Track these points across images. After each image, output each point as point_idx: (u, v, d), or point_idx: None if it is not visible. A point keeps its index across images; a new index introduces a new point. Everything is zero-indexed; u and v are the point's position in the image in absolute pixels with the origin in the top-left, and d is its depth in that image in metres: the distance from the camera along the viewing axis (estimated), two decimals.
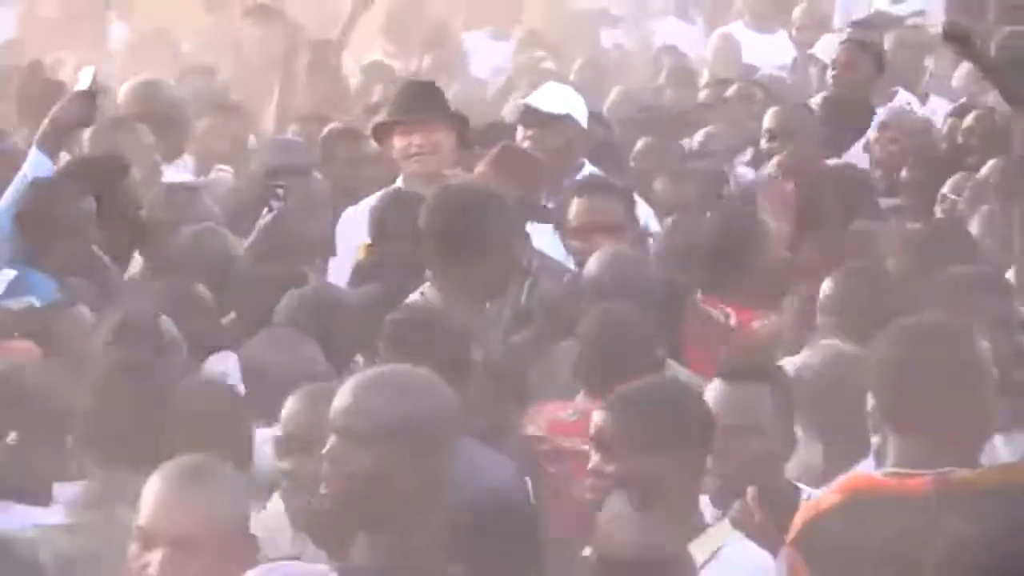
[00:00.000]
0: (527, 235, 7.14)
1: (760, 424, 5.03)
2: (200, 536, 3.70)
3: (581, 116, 8.92)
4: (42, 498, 4.83)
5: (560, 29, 14.59)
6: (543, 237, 7.61)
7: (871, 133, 10.27)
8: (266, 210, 8.04)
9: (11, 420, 4.87)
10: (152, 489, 3.77)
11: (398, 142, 8.12)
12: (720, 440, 4.79)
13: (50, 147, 8.03)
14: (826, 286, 6.56)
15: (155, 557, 3.77)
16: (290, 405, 5.11)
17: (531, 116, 8.83)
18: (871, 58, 11.34)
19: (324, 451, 4.02)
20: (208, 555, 3.70)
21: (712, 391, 5.14)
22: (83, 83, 8.49)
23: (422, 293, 6.50)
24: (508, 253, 6.59)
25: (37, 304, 6.88)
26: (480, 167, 8.19)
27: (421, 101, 8.37)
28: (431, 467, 3.98)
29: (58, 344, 6.17)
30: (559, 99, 9.00)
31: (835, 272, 6.66)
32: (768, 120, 10.21)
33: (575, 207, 7.09)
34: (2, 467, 4.84)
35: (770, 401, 5.08)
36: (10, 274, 7.21)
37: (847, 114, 10.92)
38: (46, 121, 8.25)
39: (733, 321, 7.19)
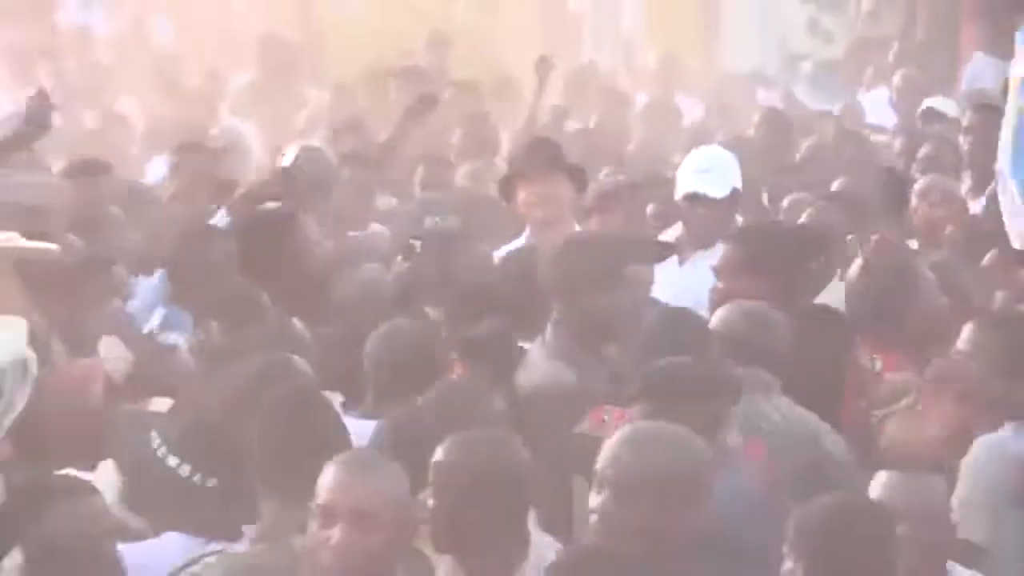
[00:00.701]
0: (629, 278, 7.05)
1: (935, 512, 4.93)
2: (372, 511, 4.19)
3: (738, 181, 8.66)
4: (234, 537, 5.05)
5: (718, 89, 14.30)
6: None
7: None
8: (400, 257, 8.28)
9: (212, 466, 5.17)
10: (331, 474, 4.24)
11: (522, 192, 8.36)
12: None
13: (236, 211, 8.45)
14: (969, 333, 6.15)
15: (335, 531, 4.27)
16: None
17: (699, 200, 8.47)
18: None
19: (594, 505, 4.50)
20: (378, 528, 4.21)
21: (886, 480, 4.95)
22: (287, 160, 9.01)
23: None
24: (617, 298, 6.64)
25: (181, 342, 7.18)
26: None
27: (542, 156, 8.59)
28: (695, 517, 4.40)
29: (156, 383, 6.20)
30: (723, 178, 8.59)
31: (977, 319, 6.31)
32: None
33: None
34: (204, 509, 5.09)
35: (944, 491, 5.07)
36: (161, 312, 7.54)
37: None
38: (241, 190, 8.76)
39: (880, 367, 6.81)
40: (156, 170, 12.55)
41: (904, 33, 14.49)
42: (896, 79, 13.94)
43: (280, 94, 14.69)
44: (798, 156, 11.62)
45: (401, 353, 6.54)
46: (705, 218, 8.56)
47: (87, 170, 9.66)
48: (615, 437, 4.66)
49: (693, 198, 8.49)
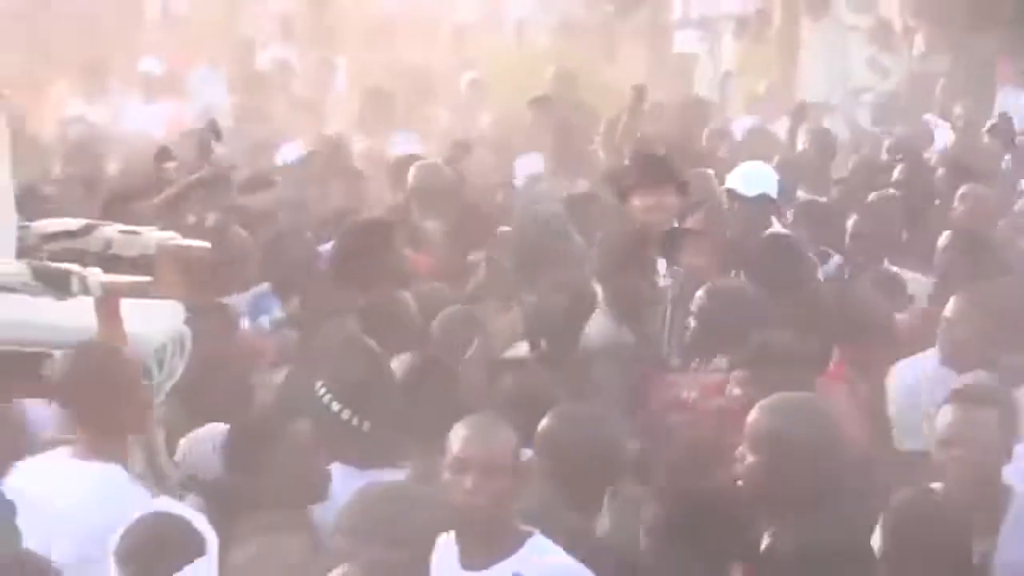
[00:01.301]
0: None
1: (987, 440, 5.24)
2: (498, 463, 4.75)
3: (771, 189, 9.11)
4: (384, 468, 5.63)
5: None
6: None
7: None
8: None
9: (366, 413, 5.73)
10: (463, 432, 4.80)
11: (637, 200, 8.43)
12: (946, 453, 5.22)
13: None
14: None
15: (468, 479, 4.79)
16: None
17: (734, 195, 9.11)
18: None
19: (747, 465, 4.84)
20: (501, 476, 4.74)
21: (947, 413, 5.33)
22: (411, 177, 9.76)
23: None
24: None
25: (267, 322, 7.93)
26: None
27: (657, 170, 8.73)
28: (836, 472, 4.86)
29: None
30: (756, 183, 9.14)
31: None
32: None
33: None
34: (359, 446, 5.69)
35: (997, 422, 5.29)
36: (262, 287, 8.15)
37: None
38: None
39: None
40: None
41: (951, 70, 14.89)
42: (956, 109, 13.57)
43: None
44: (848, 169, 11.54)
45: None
46: (738, 212, 8.93)
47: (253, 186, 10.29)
48: (763, 407, 4.97)
49: (730, 193, 9.08)
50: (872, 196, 9.85)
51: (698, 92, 15.70)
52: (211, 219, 9.12)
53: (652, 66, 16.81)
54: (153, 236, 6.80)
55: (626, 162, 10.09)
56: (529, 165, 11.74)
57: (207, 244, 7.05)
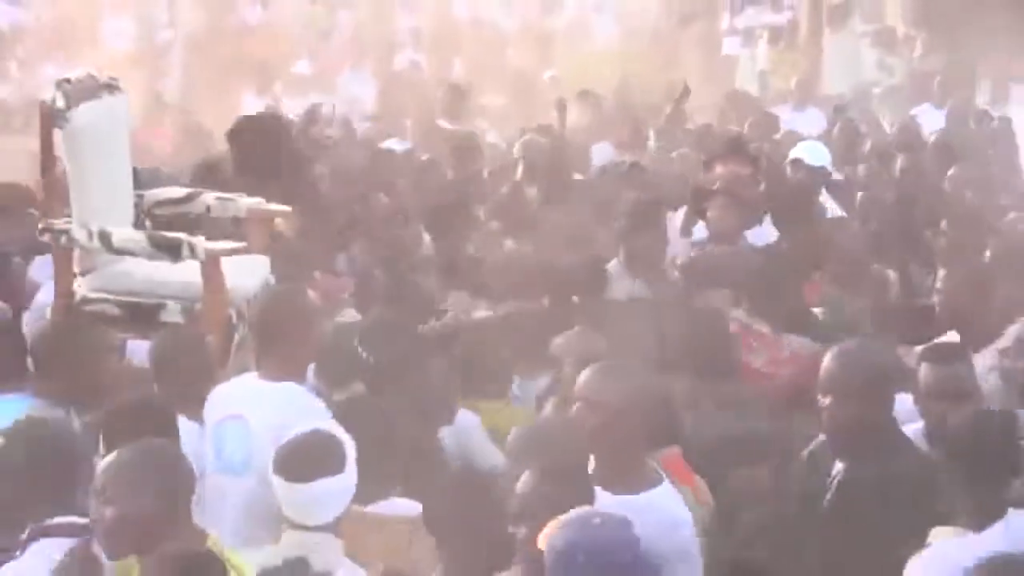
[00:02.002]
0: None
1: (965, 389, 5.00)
2: (601, 400, 4.33)
3: (827, 162, 8.97)
4: None
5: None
6: None
7: None
8: None
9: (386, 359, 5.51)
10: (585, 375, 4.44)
11: (719, 168, 8.08)
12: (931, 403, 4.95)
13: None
14: None
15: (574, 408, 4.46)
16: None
17: (799, 164, 8.82)
18: None
19: (825, 406, 4.60)
20: (604, 413, 4.31)
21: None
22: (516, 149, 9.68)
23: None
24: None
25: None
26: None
27: (735, 144, 8.59)
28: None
29: None
30: (817, 155, 9.00)
31: None
32: None
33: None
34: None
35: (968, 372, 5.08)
36: None
37: None
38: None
39: None
40: None
41: (944, 68, 14.46)
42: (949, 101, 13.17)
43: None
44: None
45: None
46: (802, 180, 8.67)
47: None
48: (834, 354, 4.74)
49: (796, 162, 8.80)
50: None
51: (739, 87, 15.44)
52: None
53: (704, 66, 16.70)
54: (244, 202, 6.66)
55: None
56: (602, 152, 11.40)
57: (288, 208, 6.88)
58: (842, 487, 4.60)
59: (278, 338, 5.07)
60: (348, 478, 4.24)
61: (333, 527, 4.22)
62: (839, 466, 4.66)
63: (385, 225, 8.02)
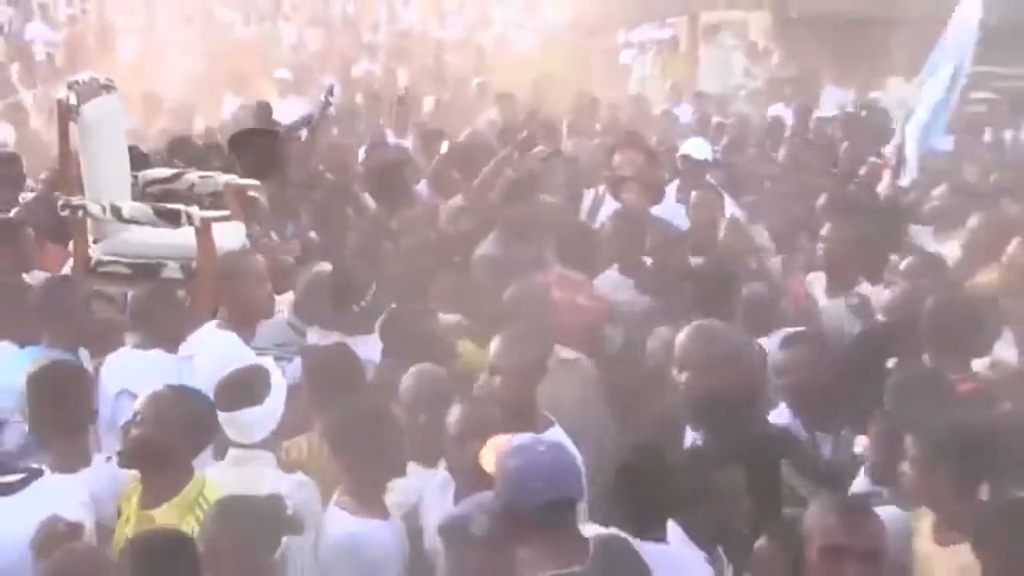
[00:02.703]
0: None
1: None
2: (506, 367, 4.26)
3: (711, 156, 8.57)
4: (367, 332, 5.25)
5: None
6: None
7: None
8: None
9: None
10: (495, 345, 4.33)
11: (617, 157, 7.87)
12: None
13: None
14: None
15: (495, 381, 4.33)
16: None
17: (688, 160, 8.38)
18: None
19: (680, 379, 4.36)
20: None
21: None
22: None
23: None
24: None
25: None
26: None
27: (632, 138, 8.36)
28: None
29: None
30: (701, 150, 8.55)
31: None
32: None
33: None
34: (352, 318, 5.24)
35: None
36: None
37: None
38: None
39: None
40: None
41: (798, 76, 14.70)
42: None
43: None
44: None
45: None
46: (690, 173, 8.21)
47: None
48: (690, 331, 4.49)
49: (686, 157, 8.35)
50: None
51: (632, 90, 15.38)
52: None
53: (606, 72, 16.54)
54: (221, 178, 6.71)
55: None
56: None
57: (257, 181, 6.78)
58: (696, 455, 4.23)
59: (228, 293, 5.22)
60: (270, 407, 4.19)
61: (265, 444, 4.21)
62: (694, 435, 4.40)
63: (330, 197, 7.63)
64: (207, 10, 19.08)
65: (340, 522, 3.99)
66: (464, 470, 3.96)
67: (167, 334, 5.11)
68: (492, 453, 3.60)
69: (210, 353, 4.87)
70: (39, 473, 4.01)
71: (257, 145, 7.54)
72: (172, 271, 5.87)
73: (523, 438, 3.56)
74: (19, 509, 3.85)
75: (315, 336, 5.40)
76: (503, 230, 6.62)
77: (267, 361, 4.53)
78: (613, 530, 3.50)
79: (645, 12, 17.45)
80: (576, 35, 17.73)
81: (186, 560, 3.38)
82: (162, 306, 5.27)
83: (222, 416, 4.16)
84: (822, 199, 7.65)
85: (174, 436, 3.94)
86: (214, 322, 5.16)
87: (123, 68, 14.51)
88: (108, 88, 6.26)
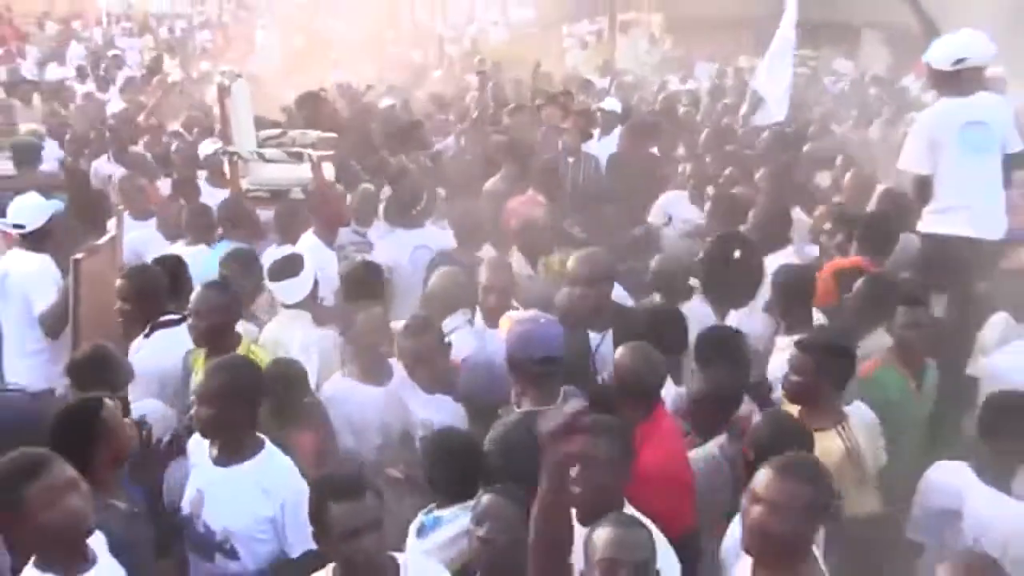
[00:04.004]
0: None
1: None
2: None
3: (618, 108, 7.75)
4: None
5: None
6: None
7: None
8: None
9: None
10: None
11: (548, 111, 7.48)
12: None
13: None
14: None
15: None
16: None
17: (606, 112, 7.71)
18: None
19: None
20: None
21: None
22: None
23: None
24: None
25: None
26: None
27: (559, 96, 7.97)
28: None
29: None
30: (616, 104, 7.87)
31: None
32: None
33: None
34: None
35: None
36: None
37: None
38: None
39: None
40: None
41: (681, 56, 14.68)
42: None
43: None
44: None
45: None
46: (608, 119, 7.49)
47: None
48: None
49: (603, 110, 7.70)
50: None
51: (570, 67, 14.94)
52: None
53: (555, 56, 15.99)
54: (312, 133, 6.36)
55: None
56: None
57: (335, 134, 6.32)
58: None
59: (320, 211, 4.91)
60: (303, 279, 3.85)
61: (301, 305, 3.86)
62: None
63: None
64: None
65: (334, 382, 3.53)
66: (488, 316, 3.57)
67: (291, 238, 4.83)
68: (508, 321, 3.37)
69: (305, 250, 4.43)
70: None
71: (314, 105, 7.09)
72: (296, 193, 5.72)
73: (528, 312, 3.28)
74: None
75: (378, 233, 5.05)
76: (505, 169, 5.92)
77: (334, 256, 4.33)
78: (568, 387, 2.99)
79: (581, 12, 17.17)
80: (535, 29, 17.59)
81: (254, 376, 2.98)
82: (293, 217, 5.03)
83: (272, 285, 3.88)
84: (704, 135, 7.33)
85: (228, 318, 3.49)
86: (311, 229, 4.78)
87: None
88: (239, 76, 6.27)
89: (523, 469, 2.36)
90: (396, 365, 3.45)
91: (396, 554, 2.27)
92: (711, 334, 3.42)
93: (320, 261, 4.20)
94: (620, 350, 2.99)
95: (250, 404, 2.82)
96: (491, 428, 2.90)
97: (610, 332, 3.41)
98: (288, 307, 3.88)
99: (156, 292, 3.73)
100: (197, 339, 3.43)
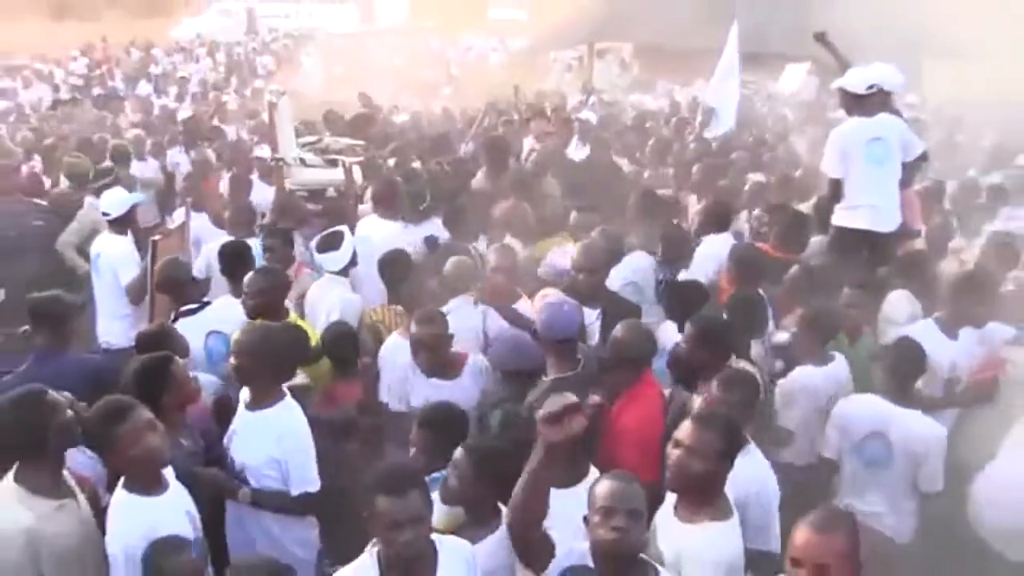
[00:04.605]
0: None
1: None
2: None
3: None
4: None
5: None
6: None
7: None
8: None
9: None
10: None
11: (533, 124, 7.19)
12: None
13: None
14: None
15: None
16: None
17: (582, 121, 7.46)
18: None
19: None
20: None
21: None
22: None
23: None
24: None
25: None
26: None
27: (540, 111, 7.80)
28: None
29: None
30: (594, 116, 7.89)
31: None
32: None
33: None
34: None
35: None
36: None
37: None
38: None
39: None
40: None
41: (647, 79, 14.31)
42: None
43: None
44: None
45: None
46: (584, 130, 7.21)
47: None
48: None
49: (580, 120, 7.41)
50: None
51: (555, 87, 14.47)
52: None
53: (541, 78, 15.74)
54: (344, 140, 6.32)
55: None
56: None
57: (361, 141, 6.23)
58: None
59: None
60: (343, 251, 3.89)
61: (340, 272, 3.90)
62: None
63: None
64: None
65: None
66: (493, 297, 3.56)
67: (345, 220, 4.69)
68: (538, 299, 3.38)
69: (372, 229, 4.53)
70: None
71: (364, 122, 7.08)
72: (330, 193, 5.66)
73: (555, 295, 3.29)
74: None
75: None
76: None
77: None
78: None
79: (564, 41, 16.81)
80: (527, 55, 17.21)
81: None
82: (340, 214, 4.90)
83: (318, 256, 3.93)
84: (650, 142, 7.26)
85: (275, 298, 3.48)
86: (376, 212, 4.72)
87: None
88: (284, 93, 6.22)
89: None
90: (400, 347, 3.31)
91: (433, 536, 2.16)
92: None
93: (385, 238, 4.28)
94: (618, 326, 2.99)
95: (274, 360, 2.82)
96: (527, 392, 2.89)
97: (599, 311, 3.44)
98: (331, 273, 3.93)
99: (180, 284, 3.83)
100: (249, 314, 3.44)
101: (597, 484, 2.16)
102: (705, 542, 2.21)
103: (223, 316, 3.62)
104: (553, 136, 6.82)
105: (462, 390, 3.16)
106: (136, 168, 6.83)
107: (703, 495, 2.26)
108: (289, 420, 2.76)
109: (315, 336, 3.45)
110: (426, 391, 3.16)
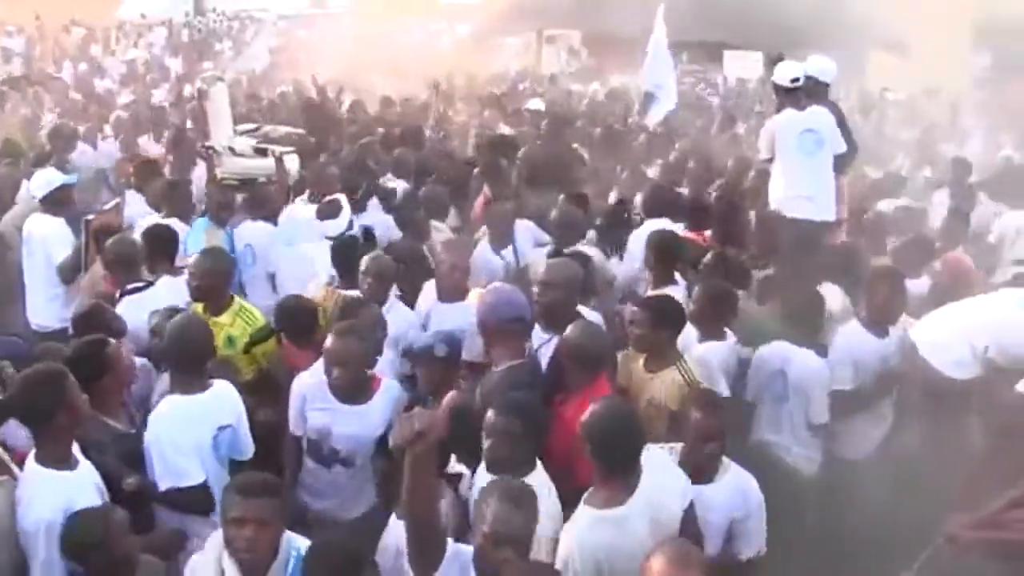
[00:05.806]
0: None
1: None
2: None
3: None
4: None
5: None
6: None
7: None
8: None
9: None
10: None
11: (486, 113, 7.26)
12: None
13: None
14: None
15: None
16: None
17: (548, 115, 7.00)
18: None
19: None
20: None
21: None
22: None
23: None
24: None
25: None
26: None
27: (494, 100, 7.81)
28: None
29: None
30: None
31: None
32: None
33: None
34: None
35: None
36: None
37: None
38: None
39: None
40: None
41: (595, 65, 14.19)
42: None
43: None
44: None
45: None
46: (532, 117, 7.21)
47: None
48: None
49: (530, 110, 7.42)
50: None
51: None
52: None
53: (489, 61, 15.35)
54: (282, 128, 6.16)
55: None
56: None
57: (302, 130, 6.09)
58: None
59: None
60: (340, 221, 4.06)
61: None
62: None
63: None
64: None
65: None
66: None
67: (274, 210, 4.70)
68: (477, 296, 3.16)
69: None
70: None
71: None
72: (261, 180, 5.40)
73: (499, 285, 3.10)
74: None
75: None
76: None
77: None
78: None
79: (514, 28, 16.52)
80: (475, 40, 16.65)
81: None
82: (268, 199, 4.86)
83: (319, 223, 4.05)
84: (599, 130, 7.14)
85: (220, 281, 3.45)
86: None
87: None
88: (221, 79, 5.96)
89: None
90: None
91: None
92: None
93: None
94: (570, 327, 2.83)
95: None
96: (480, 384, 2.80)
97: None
98: (327, 238, 3.98)
99: (131, 261, 3.72)
100: (194, 295, 3.40)
101: (485, 499, 2.09)
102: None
103: (168, 297, 3.54)
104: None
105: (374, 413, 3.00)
106: (79, 152, 6.51)
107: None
108: (230, 393, 2.81)
109: (261, 319, 3.41)
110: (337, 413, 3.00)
